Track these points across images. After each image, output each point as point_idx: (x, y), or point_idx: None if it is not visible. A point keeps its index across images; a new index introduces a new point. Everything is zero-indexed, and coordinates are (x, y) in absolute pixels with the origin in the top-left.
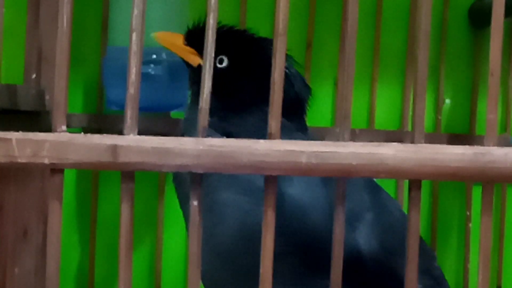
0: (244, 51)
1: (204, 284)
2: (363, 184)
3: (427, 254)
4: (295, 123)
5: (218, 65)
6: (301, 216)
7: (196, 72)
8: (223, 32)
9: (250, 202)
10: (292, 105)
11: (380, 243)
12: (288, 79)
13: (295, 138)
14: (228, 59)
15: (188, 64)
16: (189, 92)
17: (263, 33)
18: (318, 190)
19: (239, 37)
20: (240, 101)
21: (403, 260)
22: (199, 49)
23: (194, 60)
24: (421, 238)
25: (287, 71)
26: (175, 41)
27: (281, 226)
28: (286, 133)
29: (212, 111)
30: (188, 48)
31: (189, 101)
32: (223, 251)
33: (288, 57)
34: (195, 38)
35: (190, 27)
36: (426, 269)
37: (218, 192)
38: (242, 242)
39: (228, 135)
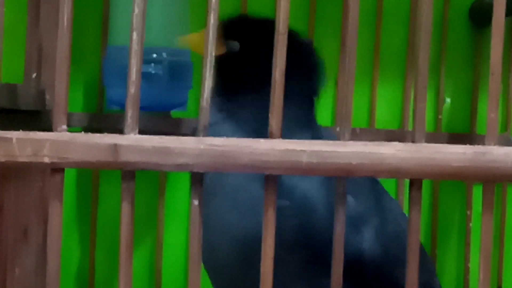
0: (255, 35)
1: (210, 271)
2: (369, 187)
3: (428, 268)
4: (305, 115)
5: (231, 50)
6: (312, 210)
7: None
8: (235, 19)
9: (260, 188)
10: (306, 95)
11: (384, 249)
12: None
13: (303, 135)
14: (240, 43)
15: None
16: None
17: None
18: (327, 183)
19: (250, 22)
20: (249, 82)
21: (405, 269)
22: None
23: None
24: (424, 252)
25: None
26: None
27: (291, 219)
28: (292, 128)
29: (220, 94)
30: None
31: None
32: (233, 236)
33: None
34: (231, 27)
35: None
36: (427, 283)
37: (229, 177)
38: (252, 228)
39: (233, 114)
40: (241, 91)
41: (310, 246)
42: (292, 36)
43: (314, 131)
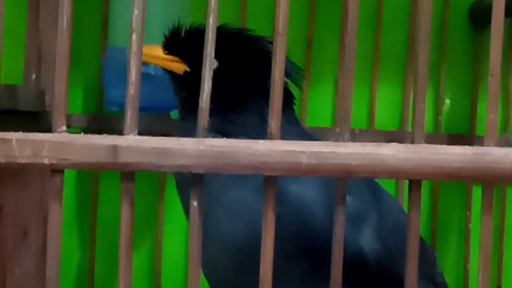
0: (233, 50)
1: (209, 280)
2: (365, 183)
3: (429, 259)
4: (286, 115)
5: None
6: (308, 215)
7: (182, 80)
8: (181, 33)
9: (259, 200)
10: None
11: (384, 245)
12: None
13: (291, 132)
14: (218, 60)
15: (171, 73)
16: (178, 101)
17: (263, 33)
18: (324, 189)
19: (226, 37)
20: (235, 100)
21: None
22: (182, 55)
23: (179, 67)
24: (423, 241)
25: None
26: (153, 52)
27: (288, 226)
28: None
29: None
30: (169, 56)
31: (179, 111)
32: (233, 248)
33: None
34: (175, 44)
35: (167, 34)
36: (428, 274)
37: (228, 190)
38: (252, 239)
39: (225, 134)
40: (233, 108)
41: (309, 253)
42: (257, 43)
43: (300, 128)
